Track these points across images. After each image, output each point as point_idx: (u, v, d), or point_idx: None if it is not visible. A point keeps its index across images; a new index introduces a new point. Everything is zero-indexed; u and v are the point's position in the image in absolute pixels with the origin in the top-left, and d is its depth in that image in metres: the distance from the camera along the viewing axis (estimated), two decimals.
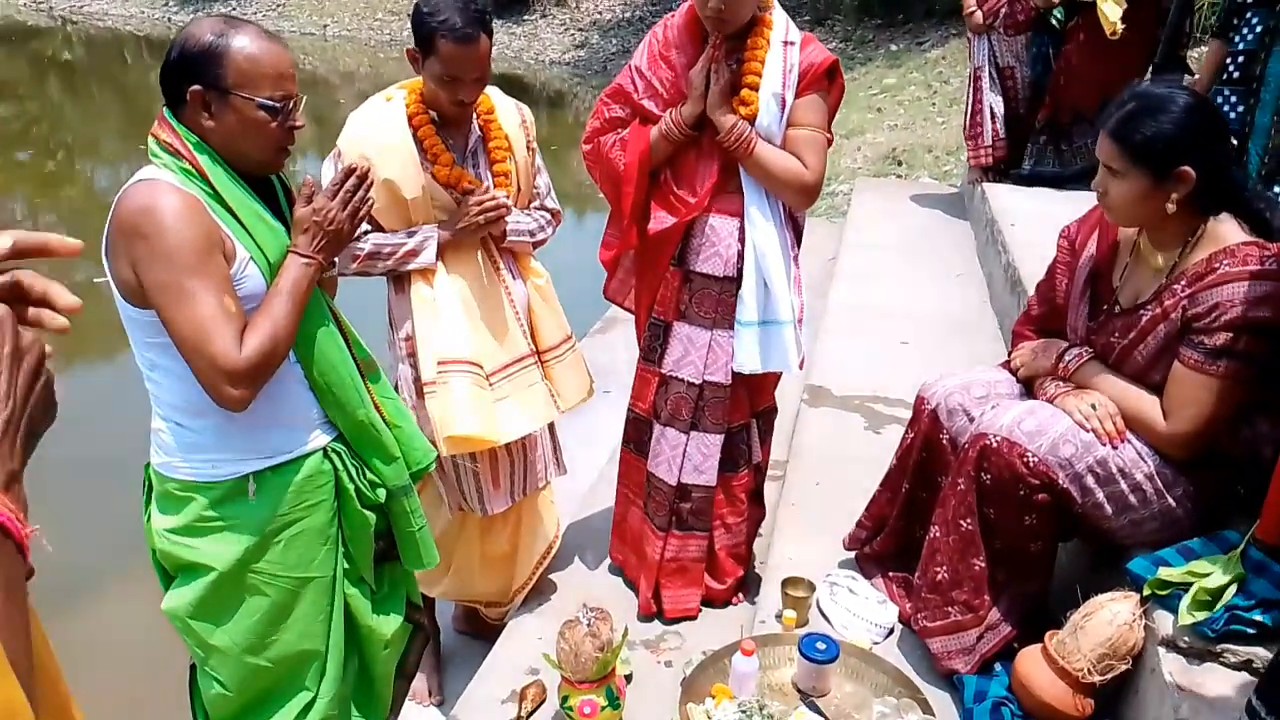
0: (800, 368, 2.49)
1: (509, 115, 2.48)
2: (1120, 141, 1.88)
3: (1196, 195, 1.87)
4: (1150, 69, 4.77)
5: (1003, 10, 5.00)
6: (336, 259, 1.88)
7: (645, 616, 2.68)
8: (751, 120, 2.29)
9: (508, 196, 2.40)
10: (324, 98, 14.33)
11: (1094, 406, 1.95)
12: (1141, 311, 1.95)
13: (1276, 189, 3.00)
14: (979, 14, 5.07)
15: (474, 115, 2.41)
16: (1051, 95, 5.04)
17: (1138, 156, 1.86)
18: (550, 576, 2.87)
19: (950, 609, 2.05)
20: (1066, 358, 2.08)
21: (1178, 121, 1.84)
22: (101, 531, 3.36)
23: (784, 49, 2.29)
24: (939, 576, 2.06)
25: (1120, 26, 4.59)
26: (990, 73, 5.15)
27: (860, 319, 4.19)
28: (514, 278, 2.50)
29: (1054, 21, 4.93)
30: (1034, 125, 5.19)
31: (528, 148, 2.51)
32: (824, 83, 2.34)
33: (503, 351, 2.44)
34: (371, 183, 1.83)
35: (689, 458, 2.53)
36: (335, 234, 1.77)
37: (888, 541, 2.36)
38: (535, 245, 2.55)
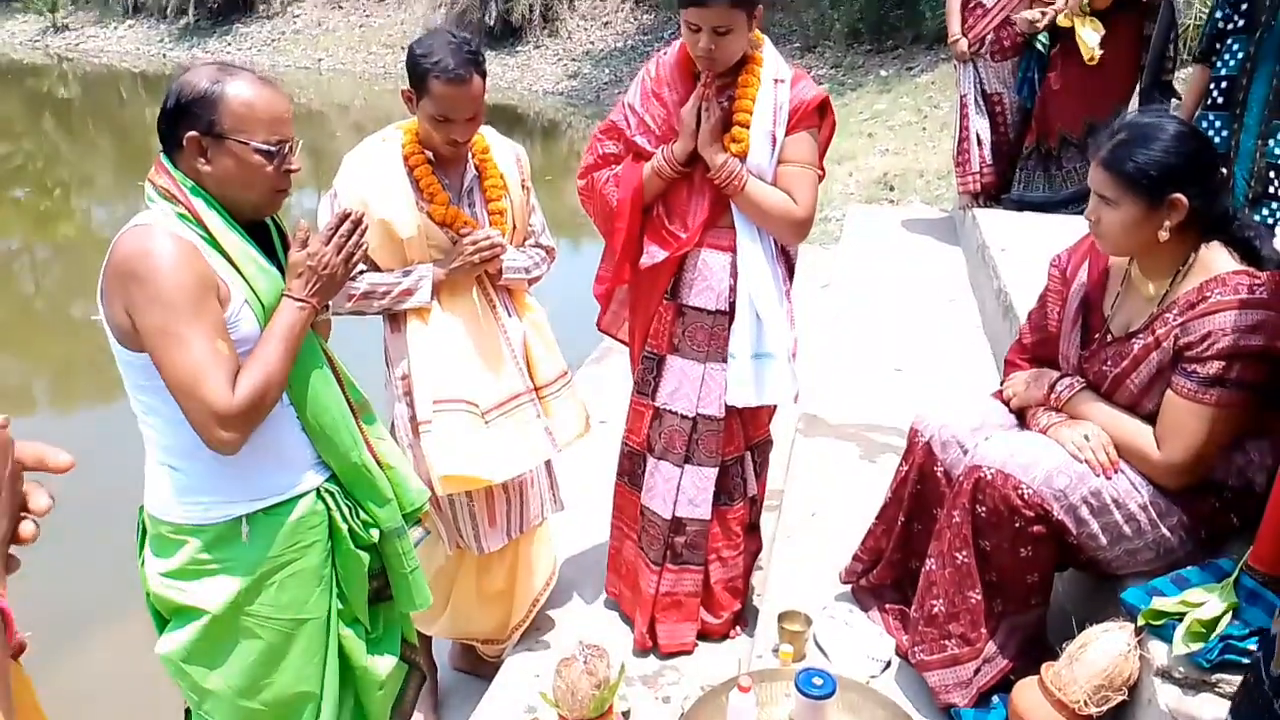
0: (795, 401, 2.50)
1: (504, 154, 2.51)
2: (1112, 170, 1.89)
3: (1188, 223, 1.88)
4: (1136, 94, 4.82)
5: (989, 37, 5.06)
6: (331, 301, 1.89)
7: (640, 651, 2.67)
8: (742, 157, 2.31)
9: (503, 235, 2.42)
10: (319, 130, 14.42)
11: (1087, 437, 1.95)
12: (1133, 340, 1.96)
13: (1264, 212, 3.03)
14: (963, 42, 5.12)
15: (469, 154, 2.43)
16: (1038, 120, 5.10)
17: (1130, 185, 1.87)
18: (547, 612, 2.86)
19: (947, 642, 2.04)
20: (1058, 388, 2.09)
21: (1169, 149, 1.86)
22: (95, 572, 3.35)
23: (774, 87, 2.32)
24: (935, 609, 2.06)
25: (1098, 53, 4.65)
26: (976, 99, 5.20)
27: (853, 346, 4.20)
28: (509, 314, 2.51)
29: (1039, 46, 4.99)
30: (1023, 150, 5.24)
31: (522, 186, 2.53)
32: (814, 119, 2.36)
33: (499, 389, 2.45)
34: (365, 228, 1.84)
35: (683, 491, 2.53)
36: (329, 278, 1.78)
37: (884, 574, 2.36)
38: (530, 282, 2.57)
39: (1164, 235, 1.88)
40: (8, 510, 0.78)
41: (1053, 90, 4.96)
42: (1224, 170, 1.96)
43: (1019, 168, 5.24)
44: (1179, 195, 1.84)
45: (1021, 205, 5.16)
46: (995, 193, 5.34)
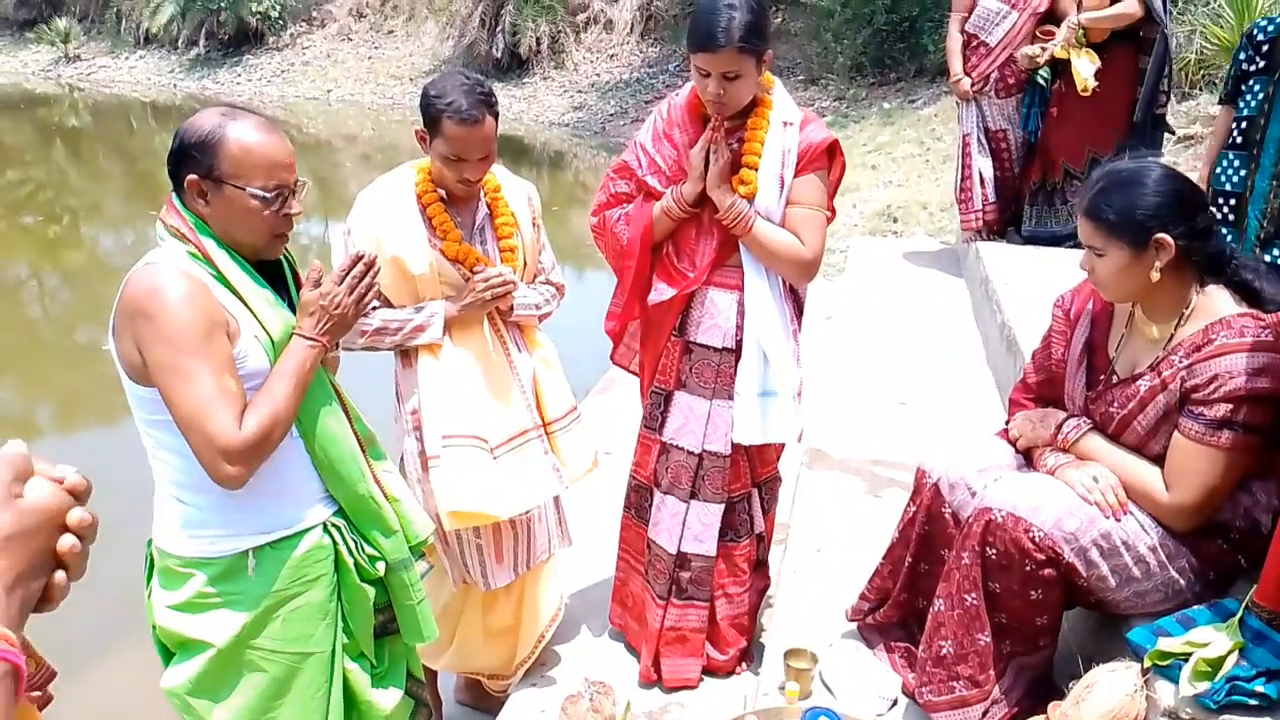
0: (799, 440, 2.51)
1: (515, 193, 2.54)
2: (1095, 219, 1.93)
3: (1181, 264, 1.90)
4: (1130, 128, 4.86)
5: (993, 75, 5.10)
6: (352, 339, 1.91)
7: (645, 684, 2.66)
8: (750, 199, 2.33)
9: (514, 271, 2.45)
10: (327, 160, 14.54)
11: (1096, 479, 1.96)
12: (1139, 382, 1.97)
13: (1276, 252, 3.03)
14: (965, 81, 5.16)
15: (481, 193, 2.47)
16: (1041, 155, 5.13)
17: (1114, 231, 1.90)
18: (553, 647, 2.85)
19: (955, 683, 2.04)
20: (1066, 428, 2.09)
21: (1149, 192, 1.89)
22: (99, 602, 3.33)
23: (783, 130, 2.35)
24: (943, 650, 2.05)
25: (1093, 84, 4.68)
26: (979, 138, 5.23)
27: (858, 379, 4.21)
28: (519, 350, 2.54)
29: (1041, 81, 5.03)
30: (1029, 185, 5.27)
31: (533, 224, 2.57)
32: (823, 161, 2.39)
33: (508, 424, 2.46)
34: (378, 269, 1.87)
35: (689, 526, 2.53)
36: (340, 318, 1.80)
37: (891, 613, 2.35)
38: (540, 318, 2.60)
39: (1156, 275, 1.90)
40: (42, 571, 0.79)
41: (1054, 124, 5.00)
42: (1212, 210, 1.98)
43: (1029, 204, 5.27)
44: (1163, 235, 1.87)
45: (1032, 241, 5.17)
46: (999, 228, 5.37)
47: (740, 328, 2.42)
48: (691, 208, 2.39)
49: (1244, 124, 3.18)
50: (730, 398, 2.44)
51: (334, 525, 1.88)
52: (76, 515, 0.82)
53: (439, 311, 2.38)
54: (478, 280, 2.37)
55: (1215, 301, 1.92)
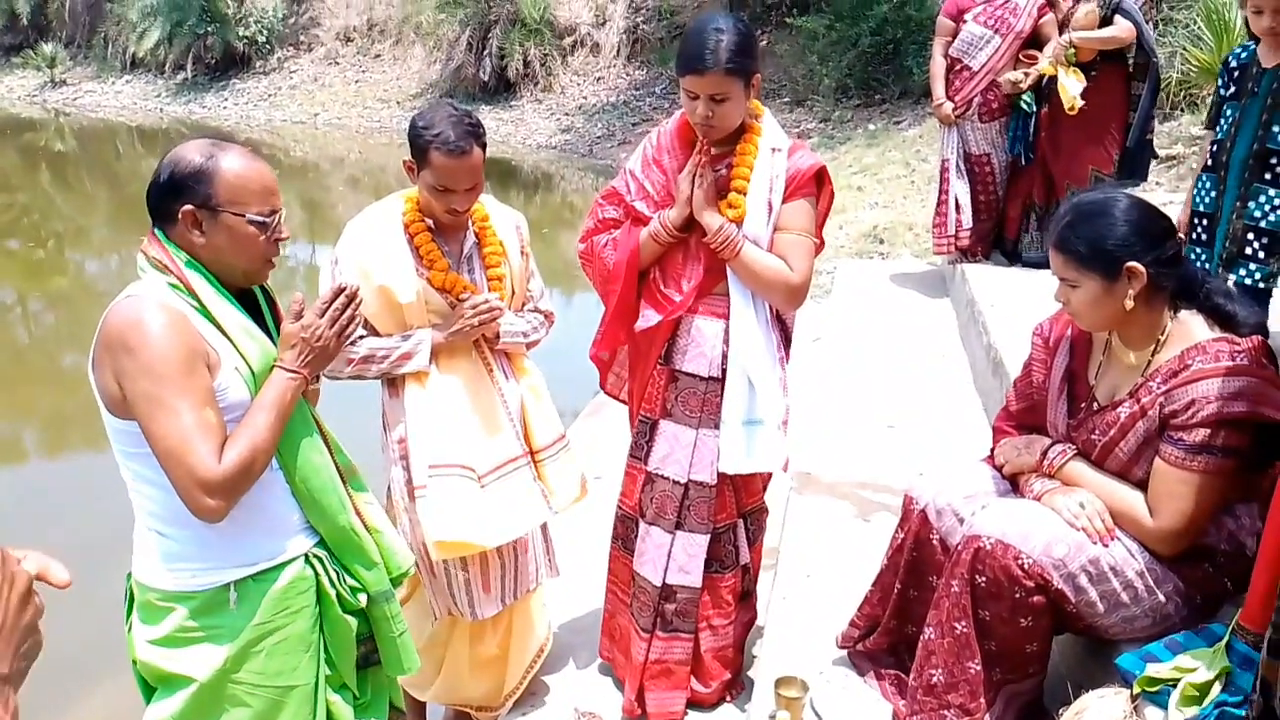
0: (785, 469, 2.50)
1: (503, 222, 2.55)
2: (1066, 252, 1.96)
3: (1153, 291, 1.93)
4: (1121, 153, 4.90)
5: (976, 100, 5.14)
6: (339, 368, 1.91)
7: (629, 719, 2.64)
8: (738, 223, 2.34)
9: (501, 299, 2.45)
10: (314, 183, 14.53)
11: (1082, 505, 1.96)
12: (1119, 409, 1.98)
13: (1240, 273, 3.09)
14: (947, 106, 5.21)
15: (469, 222, 2.47)
16: (1041, 179, 5.15)
17: (1084, 263, 1.93)
18: (542, 678, 2.83)
19: (946, 712, 2.03)
20: (1050, 454, 2.10)
21: (1117, 222, 1.92)
22: (79, 635, 3.30)
23: (771, 156, 2.37)
24: (934, 679, 2.04)
25: (1079, 103, 4.73)
26: (958, 163, 5.27)
27: (845, 402, 4.21)
28: (507, 378, 2.53)
29: (1024, 106, 5.07)
30: (1016, 208, 5.30)
31: (521, 253, 2.57)
32: (811, 188, 2.40)
33: (495, 452, 2.45)
34: (360, 301, 1.87)
35: (674, 558, 2.52)
36: (322, 350, 1.81)
37: (880, 640, 2.34)
38: (529, 346, 2.60)
39: (1129, 304, 1.92)
40: (29, 652, 0.84)
41: (1050, 147, 5.04)
42: (1180, 237, 2.03)
43: (1027, 229, 5.31)
44: (1134, 264, 1.89)
45: (1034, 265, 5.17)
46: (977, 251, 5.39)
47: (726, 356, 2.42)
48: (678, 232, 2.39)
49: (1214, 147, 3.27)
50: (716, 427, 2.43)
51: (315, 556, 1.87)
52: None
53: (426, 340, 2.38)
54: (465, 307, 2.37)
55: (1190, 327, 1.94)
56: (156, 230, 1.78)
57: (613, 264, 2.47)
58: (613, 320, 2.51)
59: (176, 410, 1.64)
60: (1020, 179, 5.28)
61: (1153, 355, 1.96)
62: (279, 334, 1.84)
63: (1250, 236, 3.09)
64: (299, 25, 21.17)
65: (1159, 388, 1.91)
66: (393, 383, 2.45)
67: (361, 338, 2.36)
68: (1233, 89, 3.24)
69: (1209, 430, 1.83)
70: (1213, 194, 3.25)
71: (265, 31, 20.68)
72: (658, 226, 2.40)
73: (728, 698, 2.69)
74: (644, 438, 2.55)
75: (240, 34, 20.56)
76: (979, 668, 1.99)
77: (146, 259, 1.76)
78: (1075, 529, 1.94)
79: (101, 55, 23.40)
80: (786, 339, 2.51)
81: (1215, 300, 1.97)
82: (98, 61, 23.49)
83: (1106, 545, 1.93)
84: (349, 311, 1.84)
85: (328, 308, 1.82)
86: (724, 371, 2.42)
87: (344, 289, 1.84)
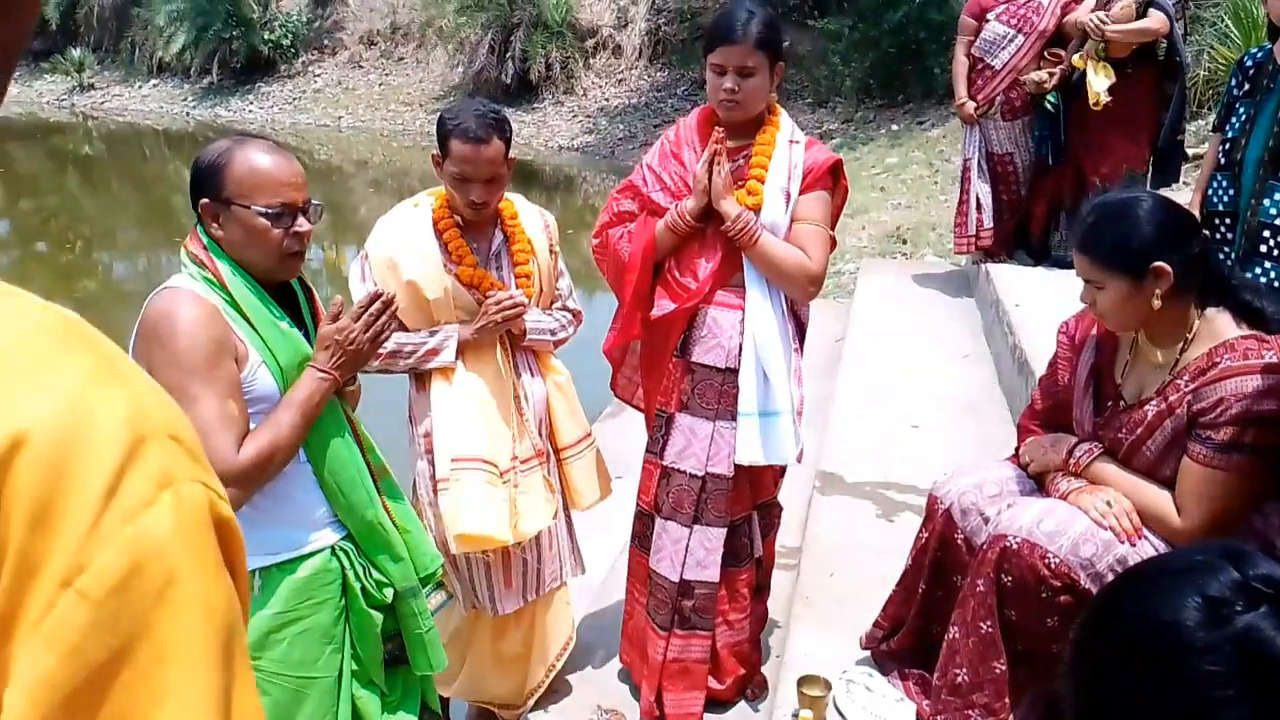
0: (799, 460, 2.49)
1: (532, 220, 2.56)
2: (1091, 254, 1.95)
3: (1180, 289, 1.91)
4: (1152, 153, 4.86)
5: (999, 99, 5.11)
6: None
7: None
8: (756, 210, 2.35)
9: (528, 297, 2.46)
10: (338, 186, 14.63)
11: (1109, 503, 1.95)
12: (1146, 407, 1.97)
13: (1256, 271, 3.06)
14: (969, 105, 5.18)
15: (498, 219, 2.49)
16: (1073, 177, 5.09)
17: (1110, 263, 1.92)
18: (565, 676, 2.83)
19: (970, 711, 2.02)
20: (1077, 453, 2.09)
21: (1140, 221, 1.91)
22: None
23: (790, 147, 2.39)
24: (959, 679, 2.03)
25: (1105, 99, 4.68)
26: (979, 163, 5.24)
27: (869, 402, 4.20)
28: (533, 376, 2.55)
29: (1048, 106, 5.03)
30: (1041, 207, 5.26)
31: (550, 251, 2.59)
32: (828, 181, 2.41)
33: (518, 449, 2.47)
34: (395, 308, 1.91)
35: (691, 552, 2.51)
36: (355, 354, 1.84)
37: (905, 640, 2.33)
38: (556, 344, 2.61)
39: (1157, 303, 1.91)
40: None
41: (1083, 146, 4.98)
42: (1205, 234, 2.01)
43: (1052, 228, 5.27)
44: (1160, 263, 1.88)
45: (1063, 264, 5.14)
46: (1000, 251, 5.36)
47: (743, 347, 2.42)
48: (696, 222, 2.40)
49: (1227, 145, 3.25)
50: (733, 418, 2.43)
51: (342, 549, 1.89)
52: None
53: (453, 335, 2.40)
54: (489, 303, 2.39)
55: (1217, 324, 1.93)
56: (197, 225, 1.82)
57: (628, 254, 2.48)
58: (629, 312, 2.51)
59: (199, 400, 1.68)
60: (1046, 178, 5.24)
61: (1180, 353, 1.95)
62: (313, 328, 1.88)
63: (1266, 234, 3.06)
64: (323, 29, 21.31)
65: (1187, 386, 1.89)
66: (419, 377, 2.47)
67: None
68: (1247, 87, 3.21)
69: (1238, 428, 1.82)
70: (1230, 193, 3.23)
71: (290, 35, 20.83)
72: (674, 217, 2.41)
73: (748, 694, 2.69)
74: (660, 432, 2.55)
75: (265, 38, 20.70)
76: (1004, 668, 1.98)
77: (187, 253, 1.81)
78: (1102, 528, 1.93)
79: (128, 60, 23.64)
80: (801, 331, 2.51)
81: (1244, 297, 1.95)
82: (124, 66, 23.73)
83: (1134, 544, 1.91)
84: (384, 318, 1.87)
85: (364, 312, 1.85)
86: (741, 362, 2.42)
87: (380, 295, 1.88)
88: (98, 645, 0.43)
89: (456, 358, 2.40)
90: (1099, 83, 4.70)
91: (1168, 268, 1.88)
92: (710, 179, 2.34)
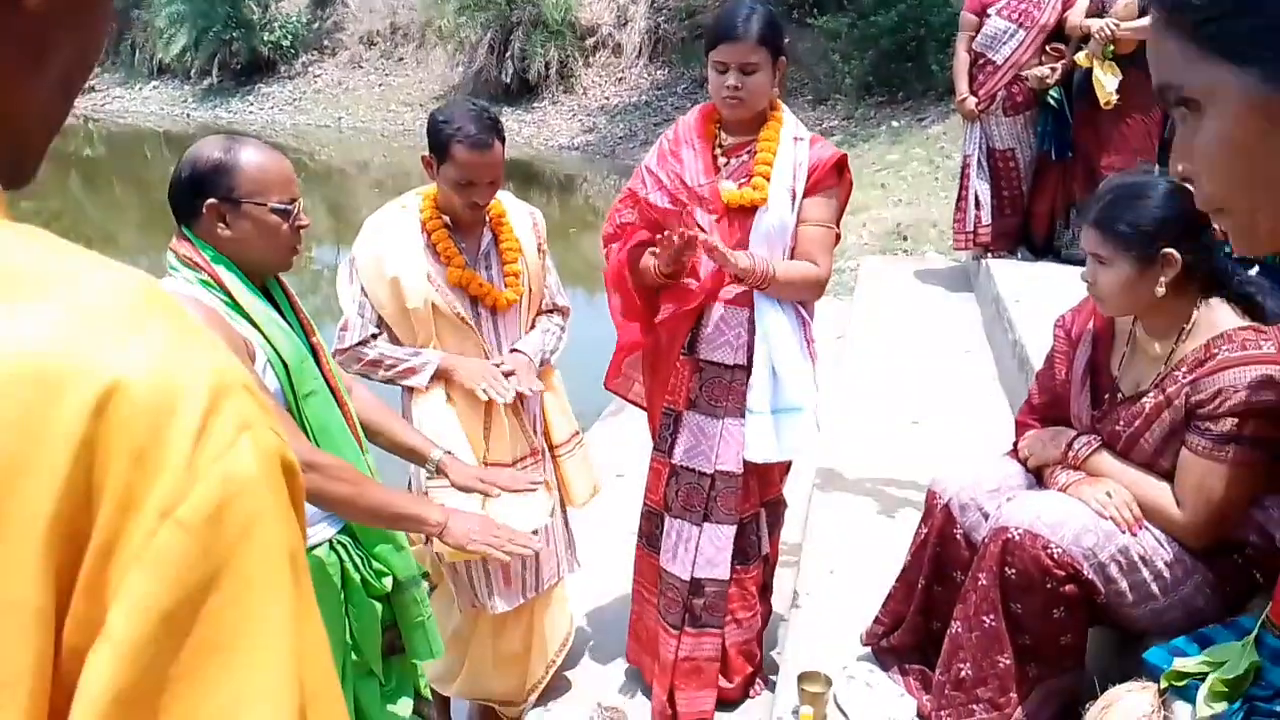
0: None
1: (520, 219, 2.56)
2: (1104, 230, 1.92)
3: (1185, 279, 1.90)
4: (1161, 145, 4.84)
5: (1000, 94, 5.10)
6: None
7: None
8: (761, 205, 2.34)
9: (516, 296, 2.46)
10: (339, 188, 14.64)
11: (1110, 494, 1.95)
12: (1144, 399, 1.96)
13: (1255, 267, 3.05)
14: (970, 101, 5.16)
15: (486, 219, 2.48)
16: (1084, 171, 5.07)
17: (1122, 242, 1.90)
18: (565, 674, 2.84)
19: (975, 706, 2.01)
20: (1076, 446, 2.08)
21: (1157, 205, 1.89)
22: None
23: (794, 144, 2.39)
24: (962, 674, 2.03)
25: (1114, 98, 4.67)
26: (979, 159, 5.23)
27: (869, 398, 4.20)
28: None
29: (1051, 102, 5.02)
30: (1043, 205, 5.25)
31: (538, 250, 2.58)
32: (833, 179, 2.41)
33: (510, 449, 2.47)
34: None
35: (701, 550, 2.51)
36: (460, 542, 1.91)
37: (905, 636, 2.33)
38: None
39: (1160, 291, 1.89)
40: None
41: (1094, 142, 4.95)
42: (1215, 226, 1.99)
43: (1061, 226, 5.25)
44: (1171, 250, 1.86)
45: (1073, 261, 5.11)
46: (999, 247, 5.35)
47: (751, 345, 2.42)
48: (668, 279, 2.41)
49: None
50: (742, 415, 2.43)
51: (340, 543, 1.90)
52: None
53: (432, 362, 2.38)
54: (486, 373, 2.36)
55: (1217, 315, 1.92)
56: (183, 228, 1.81)
57: (621, 309, 2.53)
58: (621, 324, 2.54)
59: None
60: (1048, 175, 5.23)
61: (1177, 344, 1.94)
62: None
63: None
64: (323, 30, 21.32)
65: (1184, 377, 1.89)
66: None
67: (376, 336, 2.39)
68: None
69: (1237, 420, 1.81)
70: None
71: (290, 36, 20.84)
72: (649, 265, 2.43)
73: (751, 693, 2.69)
74: (668, 430, 2.55)
75: (265, 39, 20.72)
76: (1009, 661, 1.97)
77: (176, 257, 1.79)
78: (1103, 518, 1.92)
79: (129, 62, 23.66)
80: (807, 322, 2.52)
81: (1245, 289, 1.94)
82: (125, 68, 23.75)
83: (1135, 534, 1.91)
84: (508, 545, 1.93)
85: (503, 537, 1.92)
86: (749, 359, 2.42)
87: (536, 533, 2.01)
88: (193, 570, 0.48)
89: (429, 383, 2.38)
90: (1109, 82, 4.69)
91: (1177, 255, 1.86)
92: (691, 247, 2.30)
